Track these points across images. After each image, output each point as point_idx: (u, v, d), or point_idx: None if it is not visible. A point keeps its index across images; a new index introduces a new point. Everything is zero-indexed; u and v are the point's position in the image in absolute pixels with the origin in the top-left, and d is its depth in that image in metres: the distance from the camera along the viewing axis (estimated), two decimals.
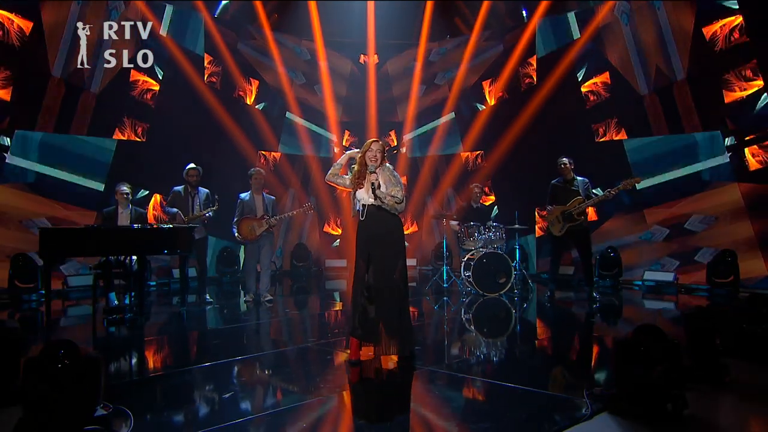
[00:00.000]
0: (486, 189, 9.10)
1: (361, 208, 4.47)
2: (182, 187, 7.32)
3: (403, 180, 4.60)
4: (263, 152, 10.64)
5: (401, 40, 11.73)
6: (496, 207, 10.38)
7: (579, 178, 7.37)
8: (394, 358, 4.41)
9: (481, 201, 8.81)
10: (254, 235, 7.23)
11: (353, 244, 4.63)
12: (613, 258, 8.88)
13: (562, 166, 7.33)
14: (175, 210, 7.17)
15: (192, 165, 7.38)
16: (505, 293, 7.74)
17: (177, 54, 9.41)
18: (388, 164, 4.58)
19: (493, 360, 5.00)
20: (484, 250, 7.80)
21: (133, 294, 6.47)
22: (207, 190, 7.45)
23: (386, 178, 4.44)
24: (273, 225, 7.30)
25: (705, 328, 3.94)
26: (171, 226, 6.76)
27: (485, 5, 10.68)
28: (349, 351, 4.49)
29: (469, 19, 11.23)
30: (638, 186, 7.83)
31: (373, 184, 4.37)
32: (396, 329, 4.34)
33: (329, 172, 4.70)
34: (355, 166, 4.53)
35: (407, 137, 11.68)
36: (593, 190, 7.55)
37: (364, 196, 4.45)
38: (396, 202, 4.44)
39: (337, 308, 7.86)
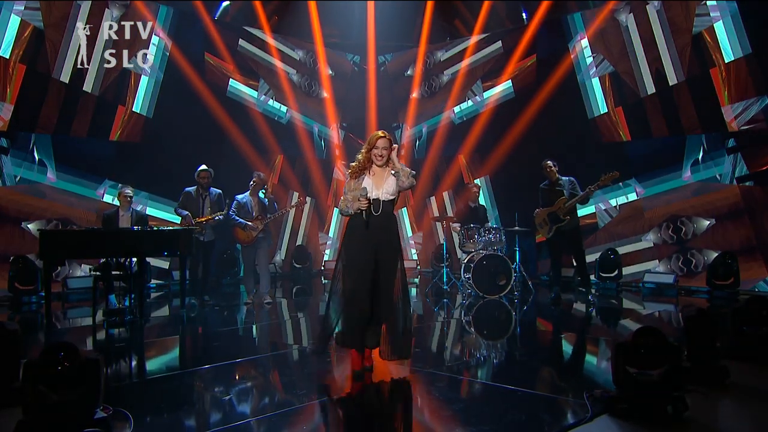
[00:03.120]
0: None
1: (365, 221, 4.08)
2: (194, 188, 7.34)
3: None
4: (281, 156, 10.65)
5: (401, 42, 11.74)
6: (495, 208, 10.41)
7: (564, 178, 7.40)
8: (395, 362, 4.26)
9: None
10: (251, 237, 7.24)
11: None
12: (612, 260, 8.88)
13: (547, 169, 7.38)
14: (186, 212, 7.17)
15: (203, 167, 7.38)
16: (505, 295, 7.74)
17: (177, 55, 9.41)
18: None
19: (493, 362, 5.00)
20: (484, 252, 7.80)
21: (132, 296, 6.48)
22: (219, 191, 7.48)
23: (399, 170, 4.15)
24: (268, 223, 7.30)
25: (705, 330, 3.94)
26: (171, 227, 6.77)
27: (485, 6, 10.68)
28: (351, 362, 4.23)
29: (469, 21, 11.24)
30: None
31: (364, 211, 4.07)
32: (399, 334, 4.18)
33: (342, 206, 4.25)
34: (359, 157, 4.21)
35: (407, 139, 11.67)
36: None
37: (372, 189, 4.12)
38: (412, 175, 4.17)
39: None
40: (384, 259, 4.13)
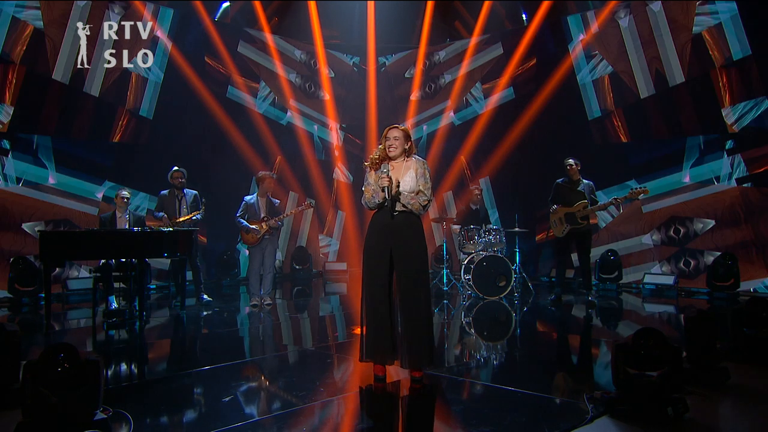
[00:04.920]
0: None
1: (388, 200, 3.91)
2: (168, 190, 7.39)
3: None
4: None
5: (402, 43, 11.75)
6: (496, 210, 10.41)
7: (584, 180, 7.37)
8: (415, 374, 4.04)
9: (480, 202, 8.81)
10: (255, 238, 7.23)
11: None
12: (613, 261, 8.87)
13: (569, 167, 7.33)
14: (161, 214, 7.21)
15: (176, 167, 7.44)
16: (505, 296, 7.74)
17: (177, 56, 9.40)
18: (416, 156, 4.11)
19: (493, 363, 4.99)
20: (484, 253, 7.79)
21: (134, 297, 6.48)
22: (195, 192, 7.49)
23: (419, 172, 4.00)
24: (272, 226, 7.28)
25: (705, 331, 3.94)
26: (171, 229, 6.77)
27: (485, 6, 10.67)
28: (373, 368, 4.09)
29: (469, 22, 11.24)
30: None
31: (387, 189, 3.86)
32: (419, 342, 3.93)
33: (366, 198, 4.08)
34: (376, 151, 4.09)
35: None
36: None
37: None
38: (421, 204, 3.97)
39: (338, 312, 7.85)
40: (402, 266, 3.94)
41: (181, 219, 7.23)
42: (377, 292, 3.95)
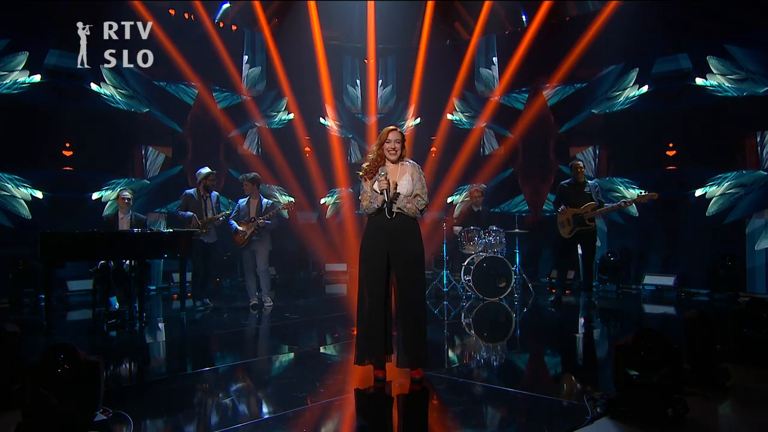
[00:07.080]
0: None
1: (386, 202, 3.91)
2: (194, 190, 7.39)
3: None
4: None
5: (402, 44, 11.74)
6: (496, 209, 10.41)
7: (590, 181, 7.37)
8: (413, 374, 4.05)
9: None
10: (244, 239, 7.23)
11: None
12: (613, 262, 8.86)
13: (578, 169, 7.31)
14: (190, 213, 7.17)
15: (208, 169, 7.43)
16: (505, 297, 7.73)
17: (176, 56, 9.40)
18: (410, 160, 4.13)
19: (493, 364, 4.99)
20: (484, 254, 7.79)
21: (133, 298, 6.48)
22: (217, 193, 7.57)
23: (415, 176, 4.01)
24: (260, 225, 7.27)
25: (705, 332, 3.94)
26: (171, 230, 6.76)
27: (485, 7, 10.64)
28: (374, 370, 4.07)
29: (469, 22, 11.24)
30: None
31: (385, 191, 3.87)
32: (418, 342, 3.97)
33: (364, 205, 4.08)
34: (370, 156, 4.09)
35: (407, 140, 11.64)
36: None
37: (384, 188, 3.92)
38: (418, 208, 3.98)
39: (337, 313, 7.84)
40: (401, 268, 3.96)
41: (208, 219, 7.23)
42: (375, 294, 3.97)
